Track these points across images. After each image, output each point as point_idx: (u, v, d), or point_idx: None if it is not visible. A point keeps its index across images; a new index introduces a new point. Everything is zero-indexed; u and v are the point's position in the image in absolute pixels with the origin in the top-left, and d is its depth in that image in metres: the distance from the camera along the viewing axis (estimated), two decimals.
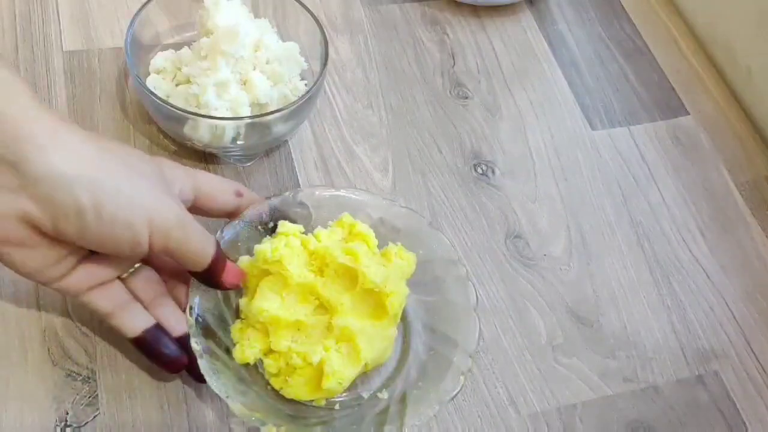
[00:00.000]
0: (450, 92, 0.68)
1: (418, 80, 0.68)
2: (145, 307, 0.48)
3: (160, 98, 0.55)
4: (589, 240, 0.61)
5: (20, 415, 0.47)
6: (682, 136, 0.68)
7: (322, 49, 0.59)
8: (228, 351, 0.48)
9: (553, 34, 0.73)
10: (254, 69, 0.59)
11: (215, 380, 0.45)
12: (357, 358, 0.47)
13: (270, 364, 0.48)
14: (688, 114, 0.69)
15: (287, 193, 0.52)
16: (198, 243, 0.45)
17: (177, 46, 0.61)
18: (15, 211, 0.40)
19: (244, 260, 0.49)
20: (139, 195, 0.43)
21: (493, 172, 0.63)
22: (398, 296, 0.48)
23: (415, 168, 0.62)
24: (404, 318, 0.51)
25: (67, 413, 0.48)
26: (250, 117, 0.57)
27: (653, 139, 0.67)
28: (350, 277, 0.48)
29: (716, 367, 0.56)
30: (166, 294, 0.49)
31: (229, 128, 0.56)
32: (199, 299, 0.48)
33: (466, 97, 0.67)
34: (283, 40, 0.61)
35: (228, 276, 0.47)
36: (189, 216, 0.45)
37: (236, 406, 0.45)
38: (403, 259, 0.50)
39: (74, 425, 0.47)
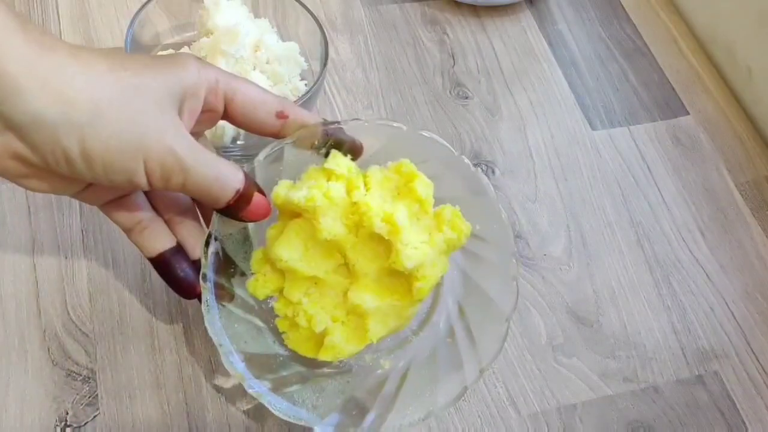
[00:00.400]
0: (450, 92, 0.68)
1: (418, 80, 0.68)
2: (168, 224, 0.45)
3: None
4: (589, 240, 0.61)
5: (20, 415, 0.47)
6: (682, 136, 0.68)
7: (322, 49, 0.59)
8: (243, 274, 0.45)
9: (553, 34, 0.73)
10: (254, 69, 0.59)
11: (209, 317, 0.43)
12: (363, 337, 0.45)
13: (279, 307, 0.46)
14: (688, 114, 0.69)
15: (347, 120, 0.47)
16: (207, 183, 0.41)
17: (177, 46, 0.61)
18: (6, 151, 0.38)
19: (283, 185, 0.44)
20: (133, 134, 0.38)
21: (493, 172, 0.63)
22: (430, 281, 0.44)
23: None
24: (437, 285, 0.47)
25: (67, 413, 0.48)
26: None
27: (653, 139, 0.67)
28: (384, 245, 0.44)
29: (716, 367, 0.56)
30: (191, 209, 0.46)
31: (229, 128, 0.56)
32: (220, 223, 0.44)
33: (466, 97, 0.67)
34: (283, 40, 0.61)
35: (252, 211, 0.43)
36: (196, 153, 0.40)
37: (224, 350, 0.43)
38: (455, 232, 0.44)
39: (74, 425, 0.47)
